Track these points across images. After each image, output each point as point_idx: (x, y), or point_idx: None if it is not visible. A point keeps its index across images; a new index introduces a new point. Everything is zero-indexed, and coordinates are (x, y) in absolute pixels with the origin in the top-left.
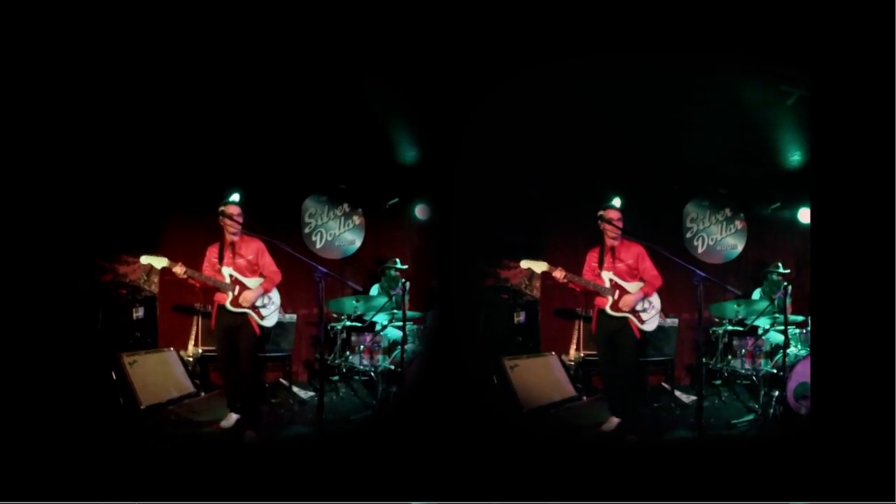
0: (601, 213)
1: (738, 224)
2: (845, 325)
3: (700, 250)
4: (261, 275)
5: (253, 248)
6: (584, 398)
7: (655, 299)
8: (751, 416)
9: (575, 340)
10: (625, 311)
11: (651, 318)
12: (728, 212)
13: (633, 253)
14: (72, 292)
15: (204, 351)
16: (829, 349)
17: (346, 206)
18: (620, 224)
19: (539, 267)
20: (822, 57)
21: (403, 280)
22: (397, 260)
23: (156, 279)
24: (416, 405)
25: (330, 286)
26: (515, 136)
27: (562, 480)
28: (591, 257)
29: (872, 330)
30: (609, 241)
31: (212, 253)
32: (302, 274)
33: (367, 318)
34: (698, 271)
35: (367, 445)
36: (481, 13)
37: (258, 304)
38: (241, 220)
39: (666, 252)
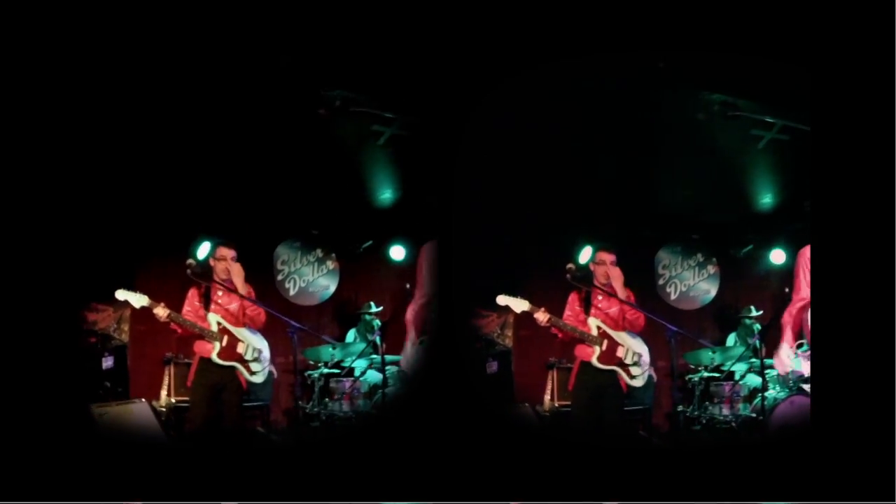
0: (593, 254)
1: (711, 269)
2: (845, 325)
3: (673, 297)
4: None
5: (241, 293)
6: None
7: (645, 353)
8: None
9: (549, 391)
10: (613, 365)
11: (641, 373)
12: (700, 257)
13: (623, 298)
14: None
15: (177, 401)
16: (828, 349)
17: (319, 251)
18: (616, 268)
19: (519, 306)
20: (822, 57)
21: (380, 322)
22: (371, 303)
23: (126, 327)
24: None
25: (306, 334)
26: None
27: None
28: (575, 301)
29: (872, 330)
30: (599, 285)
31: (194, 297)
32: (278, 322)
33: (344, 364)
34: (670, 326)
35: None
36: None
37: (248, 357)
38: (234, 263)
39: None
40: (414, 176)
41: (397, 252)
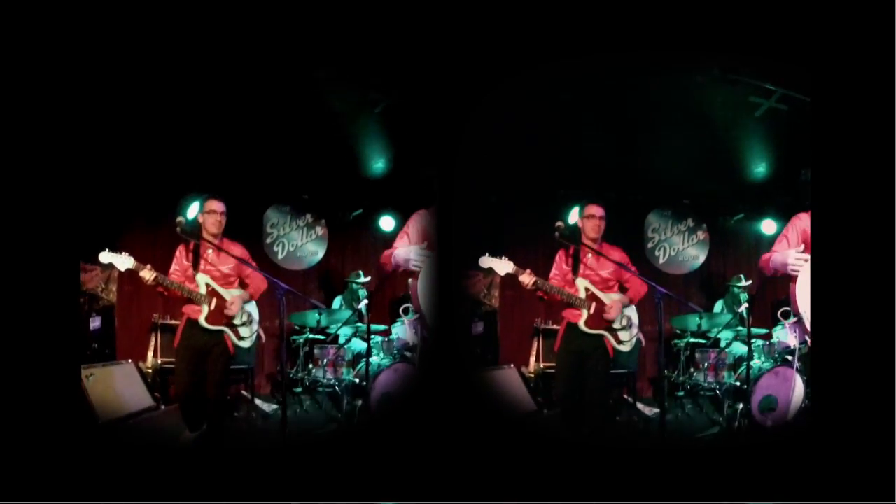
0: (582, 209)
1: (701, 235)
2: (845, 325)
3: (661, 261)
4: (240, 284)
5: (235, 254)
6: (163, 407)
7: (635, 317)
8: (715, 430)
9: (535, 352)
10: (603, 329)
11: (630, 339)
12: (690, 222)
13: (615, 259)
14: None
15: (163, 362)
16: (828, 349)
17: (308, 216)
18: (604, 223)
19: (503, 268)
20: (822, 57)
21: (366, 292)
22: (360, 272)
23: (114, 287)
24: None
25: (292, 298)
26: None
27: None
28: (563, 260)
29: (872, 329)
30: (587, 244)
31: (183, 255)
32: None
33: (330, 331)
34: (660, 288)
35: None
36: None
37: (237, 321)
38: (224, 218)
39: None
40: (408, 147)
41: (387, 222)
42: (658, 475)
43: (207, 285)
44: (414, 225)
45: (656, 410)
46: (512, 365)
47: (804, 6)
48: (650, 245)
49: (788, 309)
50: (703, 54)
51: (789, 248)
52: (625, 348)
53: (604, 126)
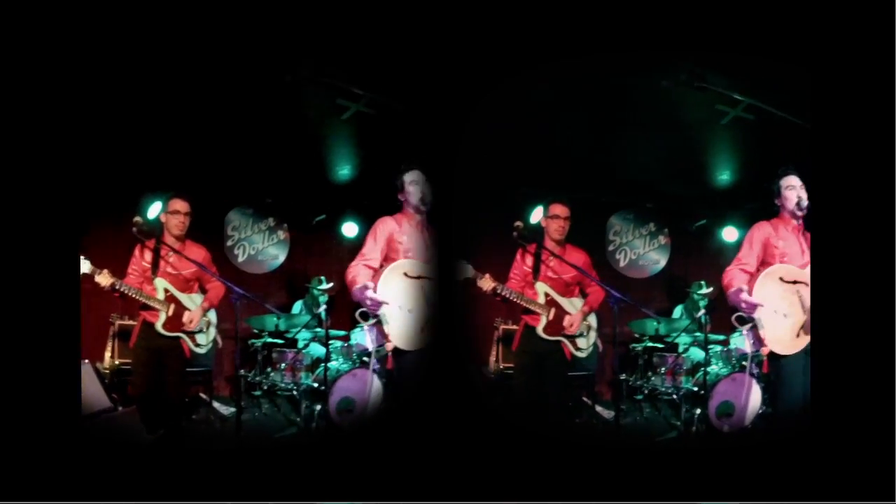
0: (546, 209)
1: (663, 239)
2: (845, 325)
3: (622, 263)
4: (201, 289)
5: (197, 258)
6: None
7: (594, 322)
8: (673, 434)
9: (494, 352)
10: (561, 336)
11: (588, 346)
12: (652, 226)
13: (577, 262)
14: None
15: (121, 363)
16: (828, 348)
17: (271, 220)
18: (569, 224)
19: (461, 272)
20: (823, 57)
21: (327, 297)
22: (322, 278)
23: None
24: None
25: (249, 302)
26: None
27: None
28: (523, 261)
29: (872, 329)
30: (549, 247)
31: (142, 256)
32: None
33: (289, 335)
34: (615, 293)
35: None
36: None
37: (195, 329)
38: (188, 219)
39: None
40: (374, 153)
41: (349, 229)
42: (612, 475)
43: (166, 290)
44: (376, 232)
45: (613, 413)
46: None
47: (804, 6)
48: (611, 248)
49: (743, 314)
50: (703, 54)
51: (750, 255)
52: (582, 354)
53: (574, 125)
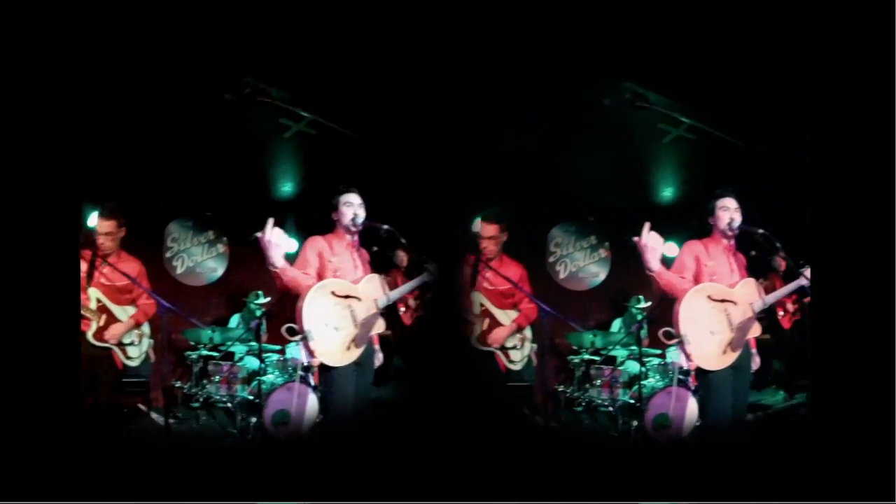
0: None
1: (603, 253)
2: (845, 325)
3: (562, 275)
4: (132, 302)
5: (131, 271)
6: None
7: (528, 334)
8: None
9: None
10: (493, 347)
11: (521, 358)
12: (594, 239)
13: (513, 274)
14: None
15: None
16: (828, 348)
17: (211, 233)
18: (499, 240)
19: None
20: (823, 57)
21: (262, 311)
22: (259, 293)
23: None
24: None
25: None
26: None
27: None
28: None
29: (872, 329)
30: (486, 258)
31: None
32: None
33: (222, 348)
34: (544, 306)
35: None
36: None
37: (125, 340)
38: (118, 235)
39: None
40: (316, 171)
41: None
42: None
43: (98, 301)
44: (306, 250)
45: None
46: None
47: (804, 6)
48: (552, 259)
49: (670, 329)
50: (703, 54)
51: (685, 270)
52: (516, 367)
53: (521, 135)
